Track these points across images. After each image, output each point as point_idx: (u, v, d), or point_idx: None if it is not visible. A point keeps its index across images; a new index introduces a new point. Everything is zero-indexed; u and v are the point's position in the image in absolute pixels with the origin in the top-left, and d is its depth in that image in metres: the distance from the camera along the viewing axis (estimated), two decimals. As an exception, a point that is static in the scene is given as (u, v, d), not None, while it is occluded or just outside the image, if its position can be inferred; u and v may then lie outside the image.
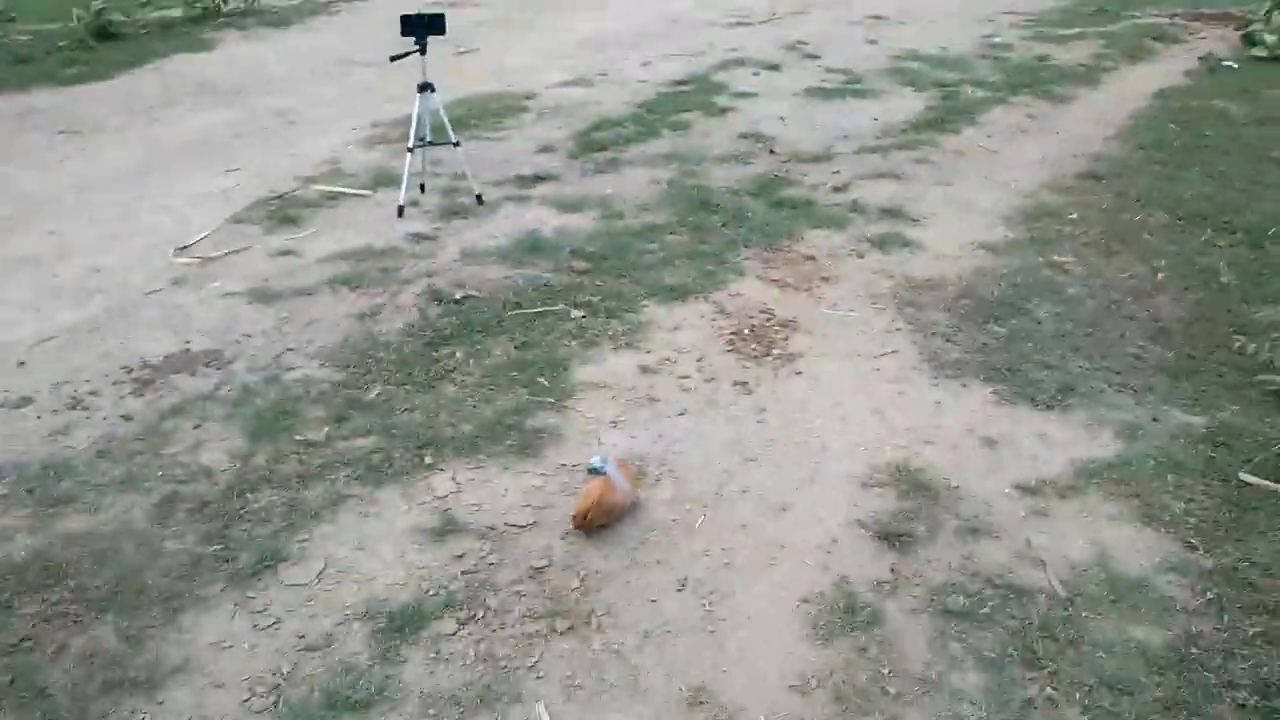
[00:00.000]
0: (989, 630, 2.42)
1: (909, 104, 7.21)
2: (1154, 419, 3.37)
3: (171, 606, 2.49)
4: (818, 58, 8.68)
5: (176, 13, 10.73)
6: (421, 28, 5.05)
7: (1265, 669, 2.31)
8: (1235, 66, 8.56)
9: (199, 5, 10.78)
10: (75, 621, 2.44)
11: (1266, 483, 3.03)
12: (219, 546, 2.71)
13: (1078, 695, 2.23)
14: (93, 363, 3.72)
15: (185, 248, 4.78)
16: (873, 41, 9.42)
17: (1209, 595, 2.55)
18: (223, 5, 10.91)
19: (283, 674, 2.28)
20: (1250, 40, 9.15)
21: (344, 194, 5.50)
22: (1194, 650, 2.36)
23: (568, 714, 2.17)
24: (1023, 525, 2.82)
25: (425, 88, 5.16)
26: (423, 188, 5.44)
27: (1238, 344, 3.81)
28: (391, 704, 2.19)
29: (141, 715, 2.18)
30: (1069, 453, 3.17)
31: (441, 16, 5.12)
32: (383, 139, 6.51)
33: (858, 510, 2.86)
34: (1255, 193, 5.58)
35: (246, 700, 2.21)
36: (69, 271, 4.54)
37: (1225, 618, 2.47)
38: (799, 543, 2.73)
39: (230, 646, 2.37)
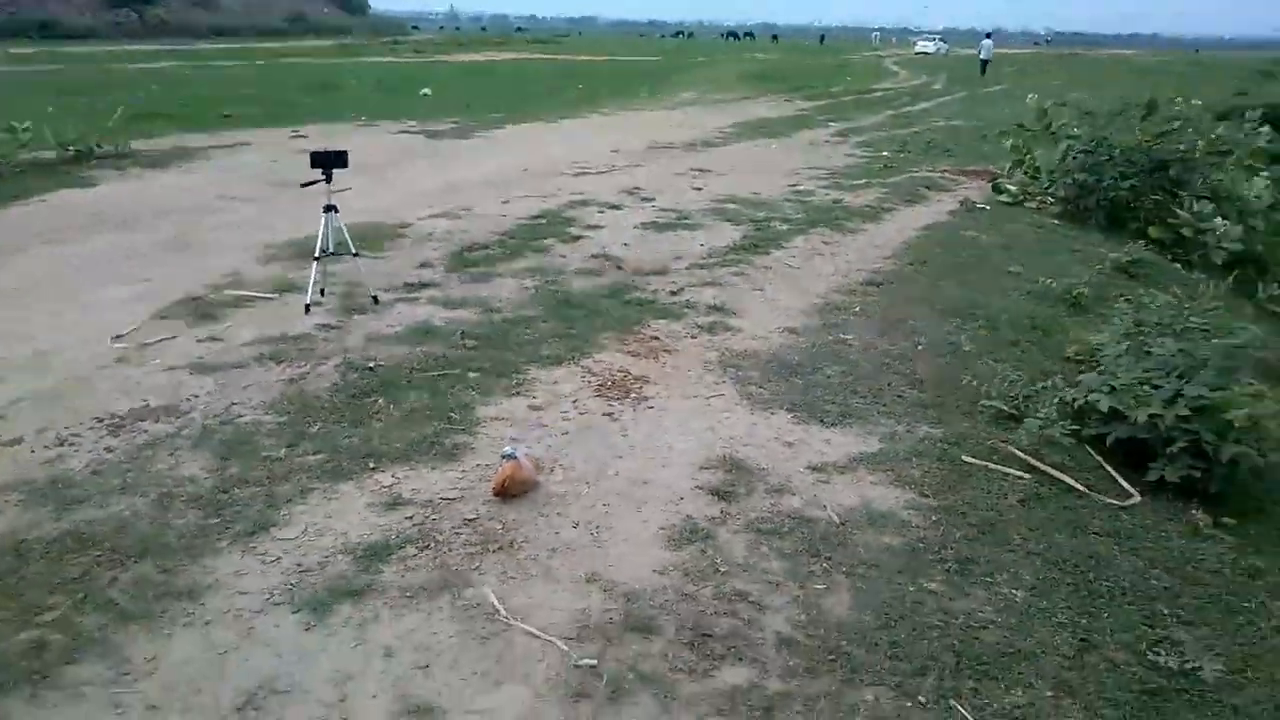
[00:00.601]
0: (787, 539, 3.54)
1: (728, 234, 8.74)
2: (908, 430, 4.66)
3: (191, 554, 3.29)
4: (653, 200, 10.23)
5: (51, 155, 11.39)
6: (328, 161, 6.13)
7: (966, 554, 3.51)
8: (986, 208, 10.68)
9: (72, 149, 11.50)
10: (120, 564, 3.20)
11: (978, 461, 4.34)
12: (216, 520, 3.52)
13: (844, 568, 3.35)
14: (65, 416, 4.43)
15: (120, 336, 5.52)
16: (698, 188, 11.11)
17: (933, 519, 3.77)
18: (95, 149, 11.67)
19: (291, 584, 3.13)
20: (997, 189, 11.42)
21: (253, 297, 6.36)
22: (919, 545, 3.55)
23: (505, 593, 3.12)
24: (812, 488, 3.99)
25: (330, 208, 6.19)
26: (323, 292, 6.36)
27: (969, 386, 5.21)
28: (377, 593, 3.08)
29: (191, 611, 2.98)
30: (845, 450, 4.40)
31: (345, 153, 6.24)
32: (275, 257, 7.42)
33: (697, 481, 3.97)
34: (994, 295, 7.24)
35: (267, 598, 3.05)
36: (18, 352, 5.20)
37: (940, 529, 3.68)
38: (656, 499, 3.80)
39: (246, 574, 3.19)
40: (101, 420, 4.40)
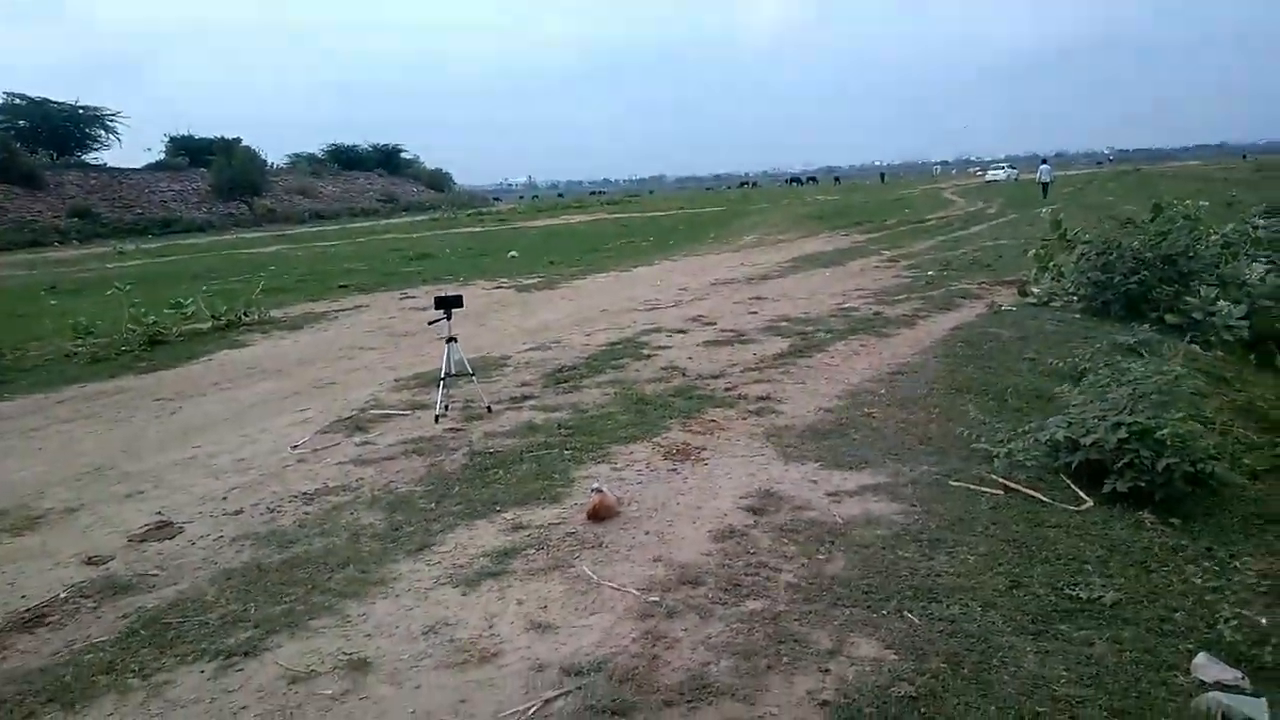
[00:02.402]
0: (801, 534, 4.80)
1: (778, 344, 10.17)
2: (910, 469, 5.89)
3: (379, 562, 4.73)
4: (713, 324, 11.78)
5: (205, 326, 13.62)
6: (448, 303, 7.84)
7: (937, 537, 4.72)
8: (1013, 309, 11.92)
9: (223, 319, 13.73)
10: (331, 570, 4.66)
11: (963, 484, 5.55)
12: (392, 545, 4.97)
13: (841, 548, 4.61)
14: (269, 496, 6.01)
15: (297, 445, 7.16)
16: (754, 312, 12.65)
17: (915, 518, 4.99)
18: (242, 318, 13.89)
19: (449, 574, 4.53)
20: (1023, 293, 12.67)
21: (392, 414, 7.99)
22: (902, 533, 4.78)
23: (596, 570, 4.46)
24: (826, 505, 5.25)
25: (451, 340, 7.86)
26: (446, 407, 7.94)
27: (969, 439, 6.41)
28: (509, 574, 4.46)
29: (383, 591, 4.39)
30: (857, 483, 5.66)
31: (460, 296, 7.99)
32: (403, 386, 9.11)
33: (738, 504, 5.28)
34: (1007, 377, 8.45)
35: (435, 581, 4.45)
36: (223, 461, 6.87)
37: (920, 523, 4.90)
38: (706, 516, 5.12)
39: (418, 571, 4.61)
40: (296, 496, 5.95)
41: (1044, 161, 49.75)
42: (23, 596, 4.66)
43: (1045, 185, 43.68)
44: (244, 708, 3.50)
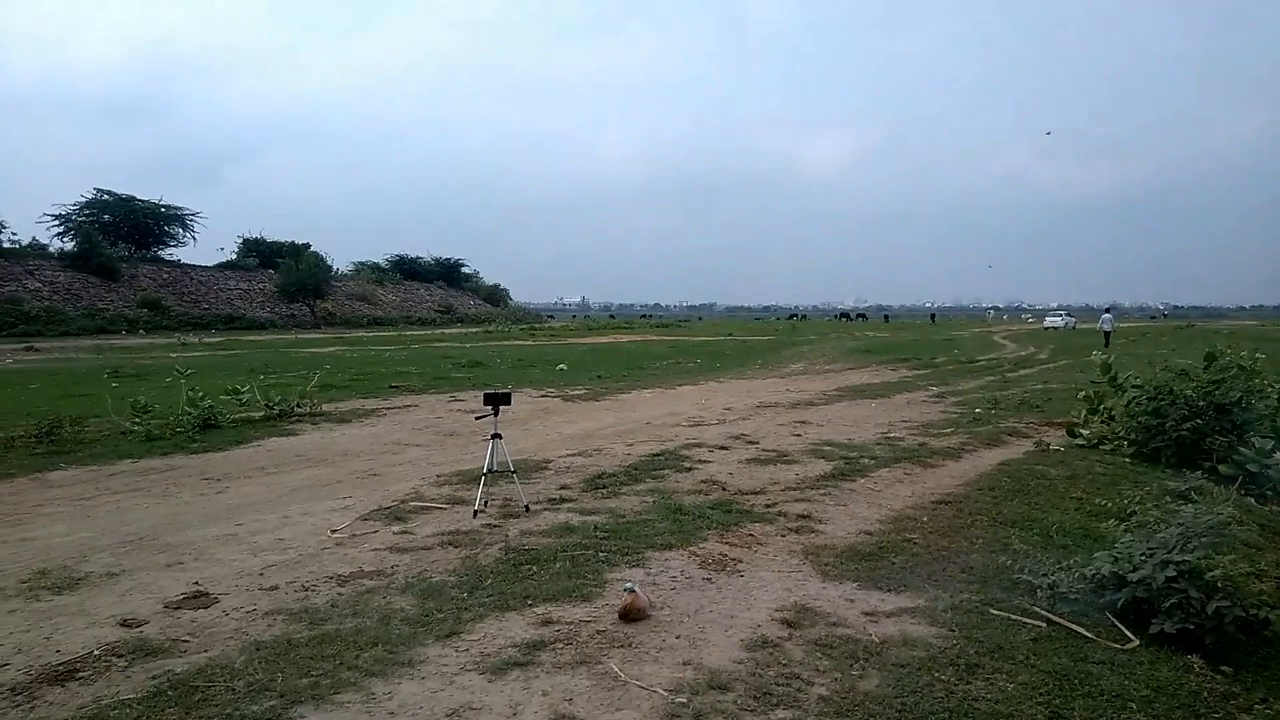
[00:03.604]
0: (836, 650, 4.71)
1: (821, 467, 10.12)
2: (950, 596, 5.77)
3: (407, 645, 4.72)
4: (756, 443, 11.78)
5: (258, 414, 13.94)
6: (496, 400, 7.99)
7: (975, 663, 4.60)
8: (1061, 449, 11.76)
9: (276, 408, 14.05)
10: (360, 649, 4.66)
11: (1003, 613, 5.41)
12: (422, 629, 4.96)
13: (876, 666, 4.50)
14: (305, 575, 6.05)
15: (336, 530, 7.23)
16: (798, 435, 12.64)
17: (953, 643, 4.87)
18: (294, 409, 14.20)
19: (476, 660, 4.49)
20: (1072, 434, 12.52)
21: (432, 507, 8.05)
22: (939, 656, 4.66)
23: (624, 670, 4.40)
24: (862, 624, 5.15)
25: (496, 436, 7.97)
26: (485, 504, 7.99)
27: (1016, 571, 6.27)
28: (536, 665, 4.41)
29: (410, 672, 4.37)
30: (895, 605, 5.55)
31: (509, 394, 8.13)
32: (445, 481, 9.19)
33: (773, 617, 5.20)
34: (1053, 514, 8.30)
35: (462, 666, 4.42)
36: (263, 539, 6.95)
37: (958, 647, 4.78)
38: (740, 625, 5.05)
39: (445, 656, 4.59)
40: (331, 577, 5.99)
41: (1106, 310, 50.13)
42: (57, 651, 4.71)
43: (1107, 334, 43.84)
44: (262, 774, 3.47)
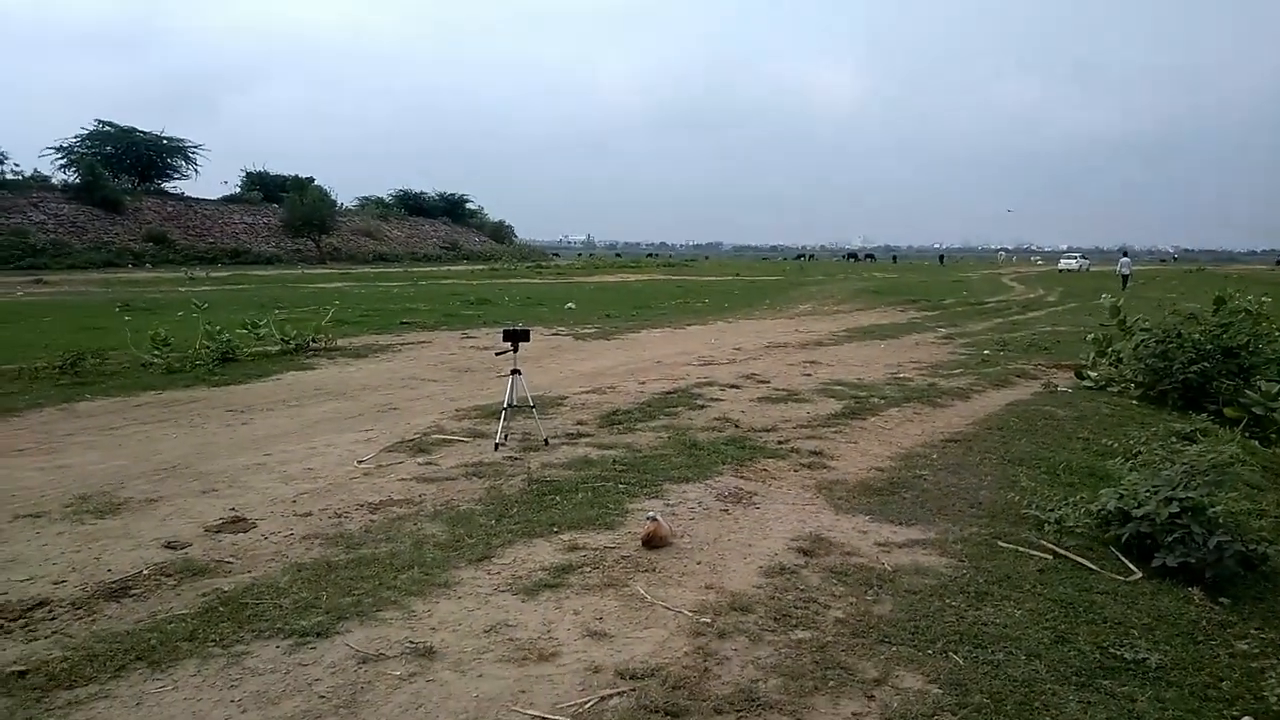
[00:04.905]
0: (850, 577, 4.92)
1: (831, 405, 10.30)
2: (960, 530, 5.98)
3: (441, 568, 4.94)
4: (767, 382, 11.95)
5: (275, 348, 14.13)
6: (516, 337, 8.15)
7: (984, 590, 4.81)
8: (1069, 391, 11.93)
9: (292, 343, 14.24)
10: (395, 572, 4.88)
11: (1011, 546, 5.63)
12: (455, 554, 5.18)
13: (889, 592, 4.72)
14: (337, 503, 6.26)
15: (363, 461, 7.44)
16: (808, 374, 12.81)
17: (963, 572, 5.08)
18: (310, 343, 14.39)
19: (509, 583, 4.72)
20: (1080, 376, 12.68)
21: (453, 439, 8.26)
22: (949, 583, 4.87)
23: (652, 592, 4.62)
24: (876, 554, 5.37)
25: (515, 372, 8.14)
26: (505, 438, 8.19)
27: (1023, 507, 6.47)
28: (566, 588, 4.64)
29: (446, 593, 4.60)
30: (907, 536, 5.76)
31: (528, 331, 8.28)
32: (465, 415, 9.39)
33: (790, 545, 5.42)
34: (1060, 453, 8.49)
35: (495, 588, 4.65)
36: (294, 469, 7.17)
37: (967, 576, 4.99)
38: (757, 553, 5.26)
39: (479, 578, 4.81)
40: (362, 505, 6.21)
41: (1124, 254, 50.02)
42: (108, 570, 4.94)
43: (1125, 278, 43.83)
44: (317, 680, 3.70)
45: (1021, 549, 5.59)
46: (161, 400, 10.17)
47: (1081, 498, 6.25)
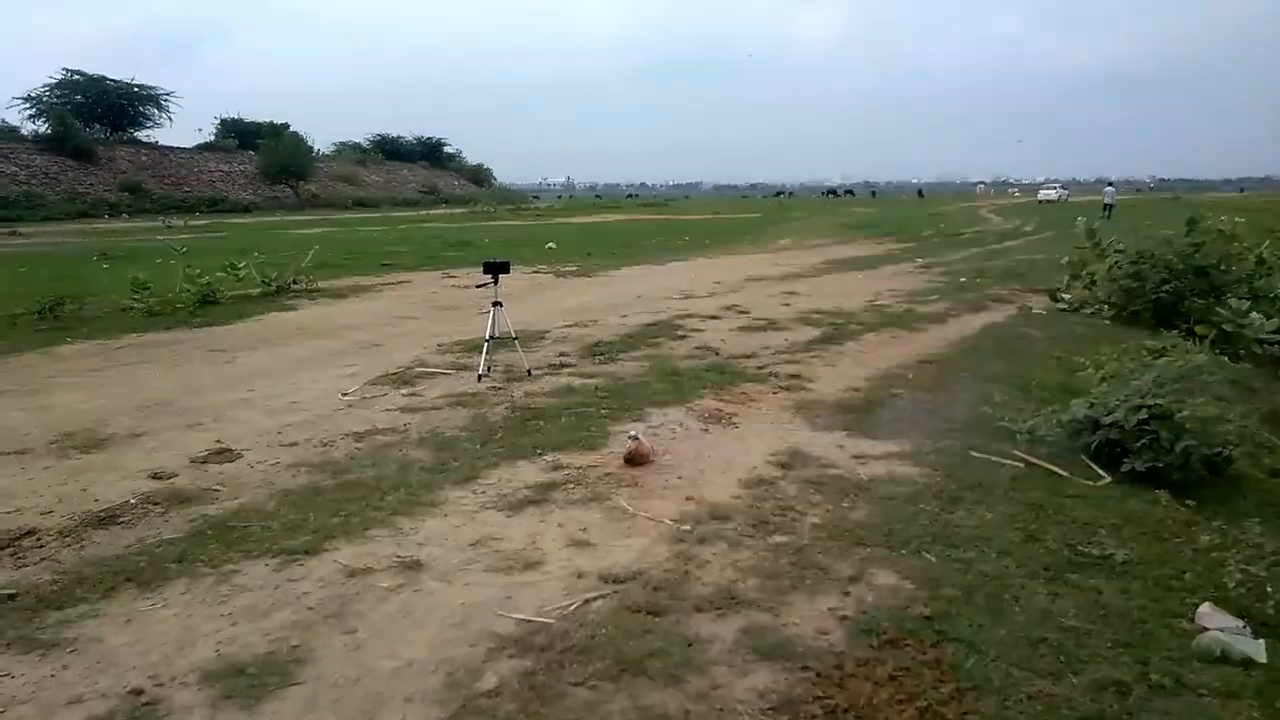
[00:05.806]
0: (827, 487, 5.05)
1: (809, 333, 10.40)
2: (934, 442, 6.11)
3: (427, 489, 5.04)
4: (747, 313, 12.02)
5: (255, 291, 14.07)
6: (496, 269, 8.15)
7: (957, 496, 4.95)
8: (1043, 313, 12.07)
9: (273, 285, 14.18)
10: (383, 493, 4.97)
11: (984, 455, 5.76)
12: (441, 475, 5.27)
13: (864, 499, 4.84)
14: (322, 433, 6.32)
15: (347, 393, 7.49)
16: (787, 304, 12.88)
17: (937, 479, 5.22)
18: (290, 285, 14.33)
19: (494, 500, 4.82)
20: (1055, 298, 12.82)
21: (436, 372, 8.31)
22: (923, 490, 5.01)
23: (634, 505, 4.73)
24: (851, 465, 5.49)
25: (497, 304, 8.17)
26: (489, 369, 8.24)
27: (996, 420, 6.61)
28: (550, 502, 4.74)
29: (432, 511, 4.69)
30: (882, 449, 5.89)
31: (508, 263, 8.29)
32: (447, 350, 9.43)
33: (768, 460, 5.53)
34: (1034, 371, 8.63)
35: (481, 505, 4.74)
36: (279, 403, 7.21)
37: (941, 483, 5.13)
38: (737, 467, 5.38)
39: (465, 497, 4.91)
40: (347, 434, 6.27)
41: (1109, 184, 50.31)
42: (95, 500, 5.00)
43: (1109, 206, 44.16)
44: (306, 593, 3.80)
45: (994, 458, 5.72)
46: (143, 342, 10.14)
47: (1053, 410, 6.38)
